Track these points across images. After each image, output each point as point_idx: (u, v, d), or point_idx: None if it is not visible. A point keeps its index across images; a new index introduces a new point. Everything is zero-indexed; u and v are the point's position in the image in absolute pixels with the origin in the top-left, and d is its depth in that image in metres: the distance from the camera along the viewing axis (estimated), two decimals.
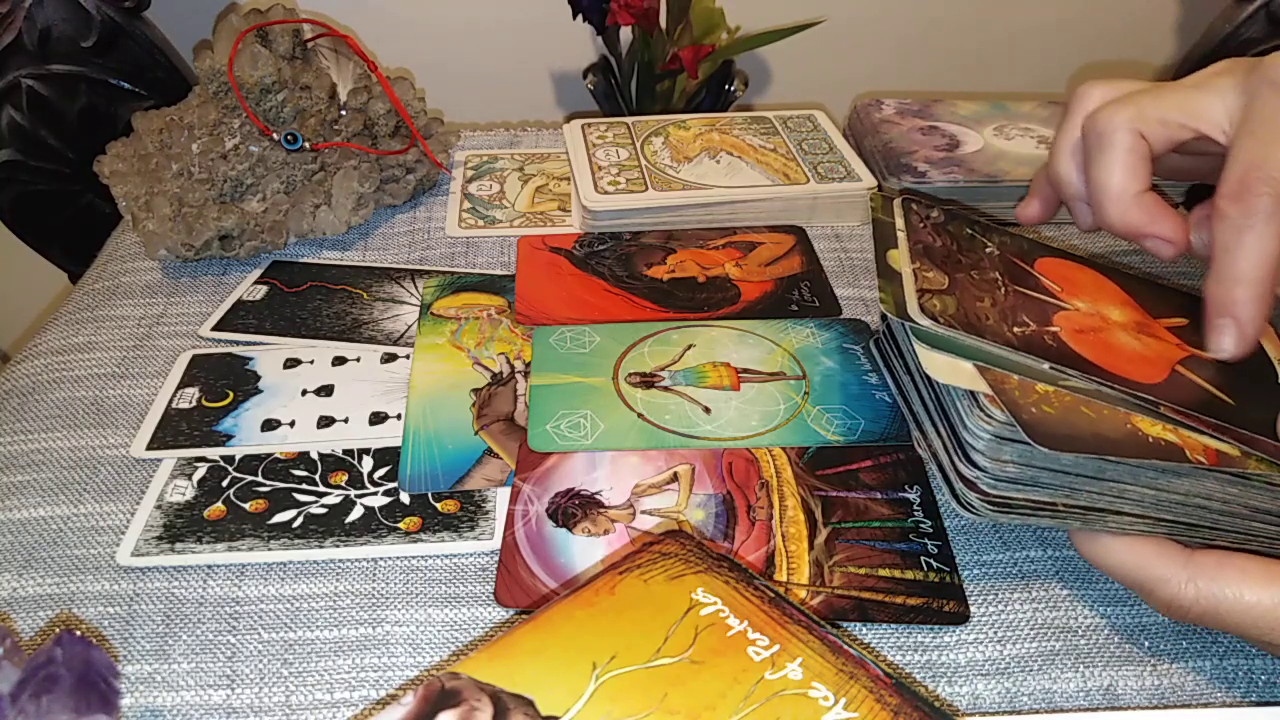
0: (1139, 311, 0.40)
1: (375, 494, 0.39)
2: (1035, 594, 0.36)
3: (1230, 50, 0.84)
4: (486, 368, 0.46)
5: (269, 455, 0.41)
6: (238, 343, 0.48)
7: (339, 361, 0.47)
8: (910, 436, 0.41)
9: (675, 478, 0.40)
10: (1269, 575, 0.30)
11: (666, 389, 0.44)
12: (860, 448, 0.41)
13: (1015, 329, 0.36)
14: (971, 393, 0.34)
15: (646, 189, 0.56)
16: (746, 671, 0.26)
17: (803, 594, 0.35)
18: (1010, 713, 0.32)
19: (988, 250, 0.41)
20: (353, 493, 0.39)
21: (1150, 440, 0.33)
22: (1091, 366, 0.35)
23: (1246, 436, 0.33)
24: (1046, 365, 0.35)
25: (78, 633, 0.27)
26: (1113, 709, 0.32)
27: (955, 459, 0.35)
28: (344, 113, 0.58)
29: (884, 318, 0.43)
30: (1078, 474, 0.33)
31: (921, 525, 0.38)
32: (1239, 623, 0.31)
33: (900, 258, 0.39)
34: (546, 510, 0.38)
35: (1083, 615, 0.35)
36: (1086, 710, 0.32)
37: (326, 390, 0.45)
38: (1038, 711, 0.32)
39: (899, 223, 0.41)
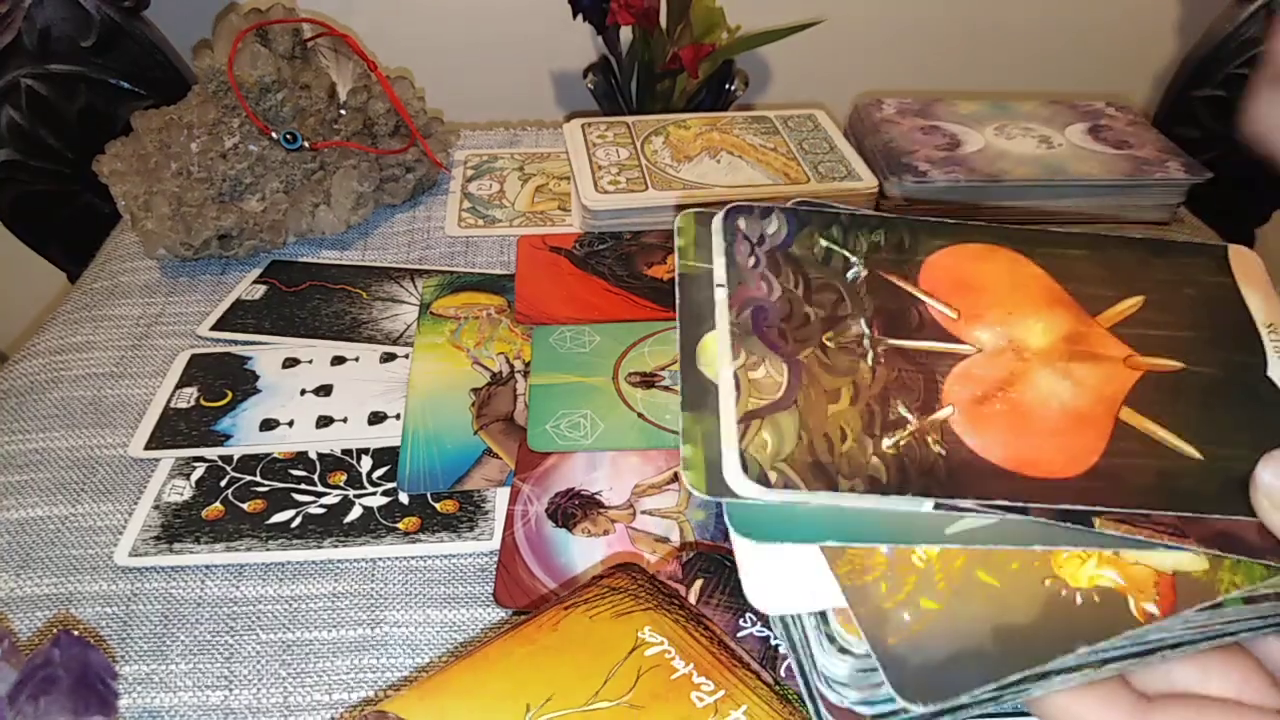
0: (1073, 311, 0.29)
1: (374, 494, 0.39)
2: None
3: (1231, 50, 0.84)
4: (486, 367, 0.46)
5: (267, 455, 0.41)
6: (236, 342, 0.48)
7: (338, 361, 0.46)
8: None
9: (676, 478, 0.39)
10: None
11: (667, 389, 0.44)
12: None
13: (885, 441, 0.26)
14: (821, 613, 0.25)
15: (646, 188, 0.56)
16: (688, 718, 0.25)
17: None
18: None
19: (851, 274, 0.30)
20: (351, 493, 0.39)
21: (1078, 603, 0.24)
22: (996, 478, 0.25)
23: (1217, 531, 0.25)
24: (929, 506, 0.25)
25: (75, 633, 0.27)
26: None
27: (815, 680, 0.26)
28: (343, 112, 0.58)
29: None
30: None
31: None
32: None
33: (719, 351, 0.27)
34: (546, 510, 0.38)
35: None
36: None
37: (325, 390, 0.45)
38: None
39: (718, 271, 0.30)
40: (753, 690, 0.27)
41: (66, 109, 0.79)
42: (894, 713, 0.24)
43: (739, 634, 0.31)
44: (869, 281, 0.29)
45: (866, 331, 0.28)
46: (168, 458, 0.41)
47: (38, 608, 0.35)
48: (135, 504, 0.39)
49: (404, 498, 0.39)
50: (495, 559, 0.37)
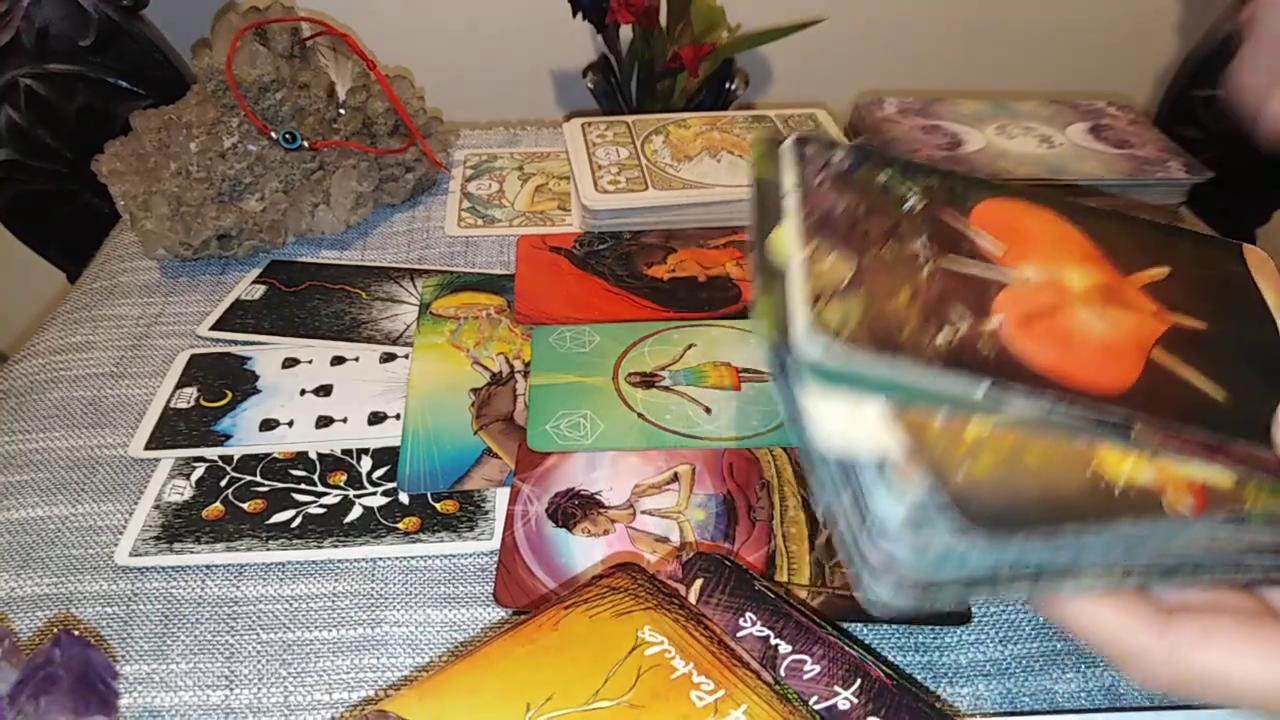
0: (1107, 268, 0.32)
1: (374, 494, 0.39)
2: None
3: (1233, 50, 0.84)
4: (486, 367, 0.46)
5: (267, 455, 0.41)
6: (236, 342, 0.48)
7: (338, 361, 0.46)
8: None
9: (676, 478, 0.39)
10: (1260, 647, 0.26)
11: (667, 389, 0.44)
12: None
13: (942, 333, 0.28)
14: (880, 456, 0.26)
15: (647, 188, 0.56)
16: (688, 718, 0.25)
17: (804, 594, 0.35)
18: (1012, 713, 0.32)
19: (908, 205, 0.32)
20: (351, 493, 0.39)
21: (1118, 492, 0.26)
22: (1041, 380, 0.27)
23: (1242, 454, 0.27)
24: (983, 388, 0.27)
25: (76, 633, 0.27)
26: (1114, 709, 0.32)
27: (862, 538, 0.27)
28: (342, 111, 0.58)
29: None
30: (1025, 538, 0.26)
31: None
32: (1226, 701, 0.27)
33: (788, 240, 0.29)
34: (546, 510, 0.38)
35: None
36: (1088, 711, 0.32)
37: (325, 390, 0.44)
38: (1039, 712, 0.32)
39: (788, 181, 0.32)
40: (753, 690, 0.27)
41: (65, 108, 0.79)
42: (937, 579, 0.26)
43: (739, 634, 0.31)
44: (924, 214, 0.32)
45: (923, 249, 0.30)
46: (168, 458, 0.41)
47: (38, 607, 0.35)
48: (135, 504, 0.39)
49: (404, 498, 0.39)
50: (495, 559, 0.37)
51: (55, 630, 0.33)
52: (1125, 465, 0.27)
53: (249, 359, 0.47)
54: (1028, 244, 0.32)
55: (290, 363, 0.46)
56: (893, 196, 0.32)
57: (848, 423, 0.26)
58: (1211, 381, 0.29)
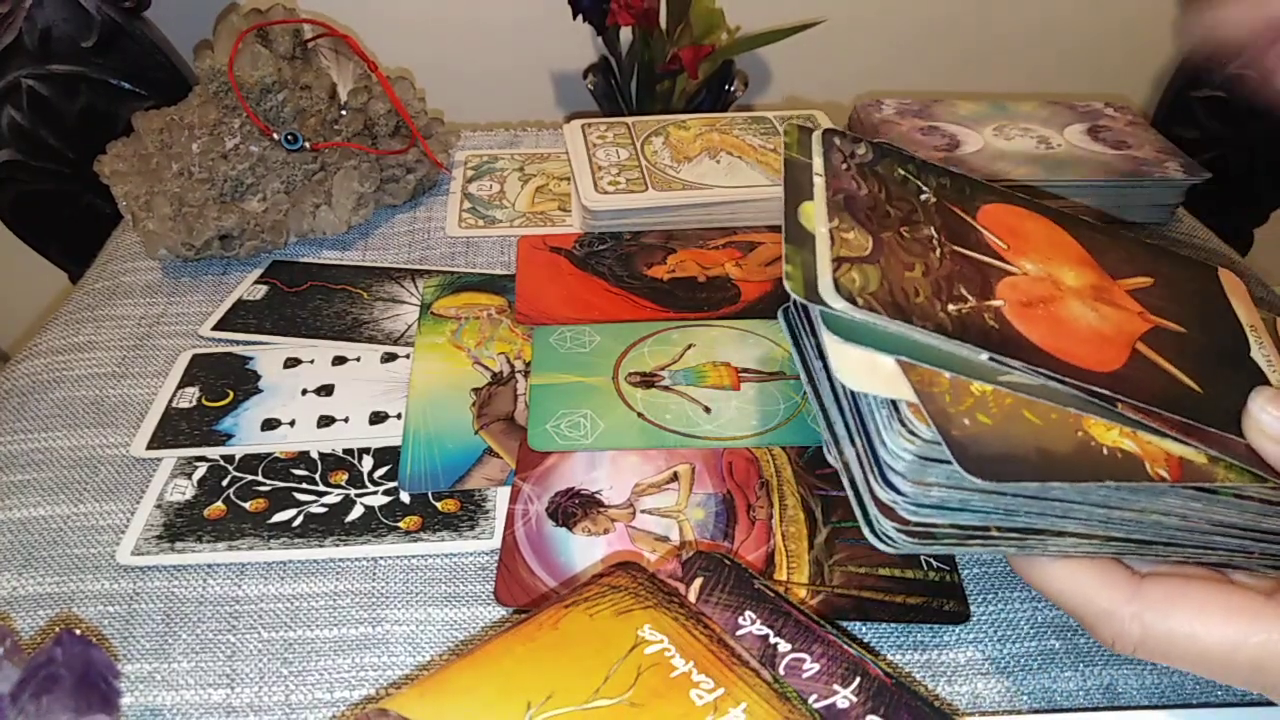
0: (1097, 272, 0.34)
1: (375, 493, 0.39)
2: (1035, 593, 0.36)
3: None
4: (486, 367, 0.46)
5: (269, 455, 0.41)
6: (238, 342, 0.48)
7: (339, 361, 0.47)
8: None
9: (675, 477, 0.40)
10: (1227, 611, 0.27)
11: (667, 388, 0.44)
12: None
13: (950, 306, 0.30)
14: (892, 402, 0.28)
15: (646, 189, 0.56)
16: (688, 716, 0.25)
17: (803, 593, 0.35)
18: (1010, 712, 0.32)
19: (923, 197, 0.35)
20: (353, 492, 0.39)
21: (1104, 453, 0.28)
22: (1039, 354, 0.30)
23: (1215, 437, 0.29)
24: (985, 356, 0.29)
25: (78, 632, 0.27)
26: (1113, 708, 0.32)
27: (871, 478, 0.29)
28: (344, 112, 0.58)
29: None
30: (1016, 494, 0.28)
31: None
32: (1191, 664, 0.28)
33: (816, 213, 0.32)
34: (546, 509, 0.38)
35: None
36: (1086, 710, 0.32)
37: (326, 390, 0.45)
38: (1038, 711, 0.32)
39: (817, 165, 0.34)
40: (752, 688, 0.27)
41: (67, 109, 0.79)
42: (930, 526, 0.28)
43: (738, 632, 0.31)
44: (936, 206, 0.35)
45: (935, 237, 0.33)
46: (170, 457, 0.41)
47: (40, 607, 0.35)
48: (137, 503, 0.39)
49: (405, 497, 0.39)
50: (496, 558, 0.37)
51: (57, 629, 0.33)
52: (1111, 433, 0.29)
53: (251, 359, 0.47)
54: (1027, 243, 0.35)
55: (292, 363, 0.46)
56: (910, 188, 0.35)
57: (865, 367, 0.29)
58: (1189, 376, 0.31)
